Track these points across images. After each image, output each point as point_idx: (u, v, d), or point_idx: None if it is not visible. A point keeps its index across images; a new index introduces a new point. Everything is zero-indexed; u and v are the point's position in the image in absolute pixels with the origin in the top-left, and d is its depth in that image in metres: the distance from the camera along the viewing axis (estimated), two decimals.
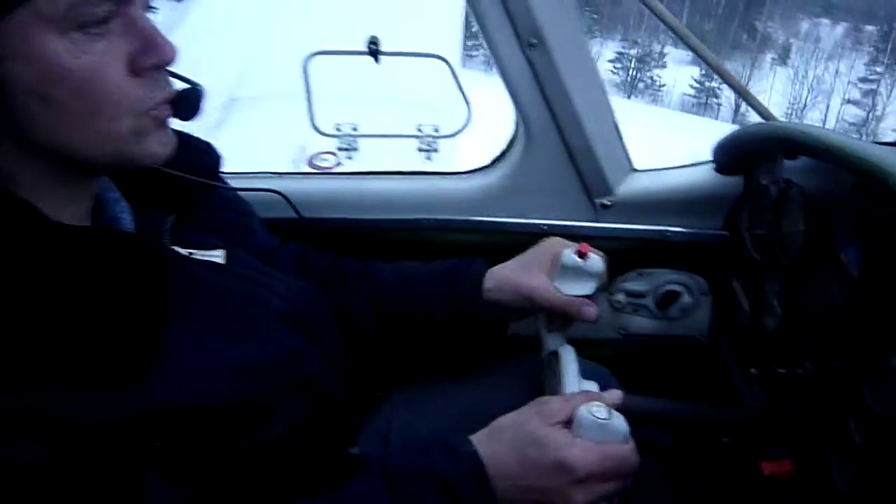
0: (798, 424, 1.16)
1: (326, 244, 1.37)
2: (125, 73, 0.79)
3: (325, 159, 3.21)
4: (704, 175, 1.51)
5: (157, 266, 0.86)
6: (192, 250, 0.98)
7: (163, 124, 0.85)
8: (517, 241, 1.52)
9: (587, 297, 1.19)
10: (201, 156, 1.10)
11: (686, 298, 1.61)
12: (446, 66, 1.47)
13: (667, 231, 1.55)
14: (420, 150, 1.57)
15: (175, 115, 0.87)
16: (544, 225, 1.55)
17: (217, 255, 1.00)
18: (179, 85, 0.92)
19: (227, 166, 1.19)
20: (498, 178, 1.55)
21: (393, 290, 1.27)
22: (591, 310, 1.19)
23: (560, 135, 1.44)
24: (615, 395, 1.07)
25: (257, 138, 3.52)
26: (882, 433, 0.95)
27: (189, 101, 0.90)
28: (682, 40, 1.28)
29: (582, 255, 1.15)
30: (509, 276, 1.22)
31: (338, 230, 1.56)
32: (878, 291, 0.99)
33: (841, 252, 1.09)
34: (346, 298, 1.26)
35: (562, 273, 1.18)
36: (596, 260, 1.17)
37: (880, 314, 0.98)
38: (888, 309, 0.96)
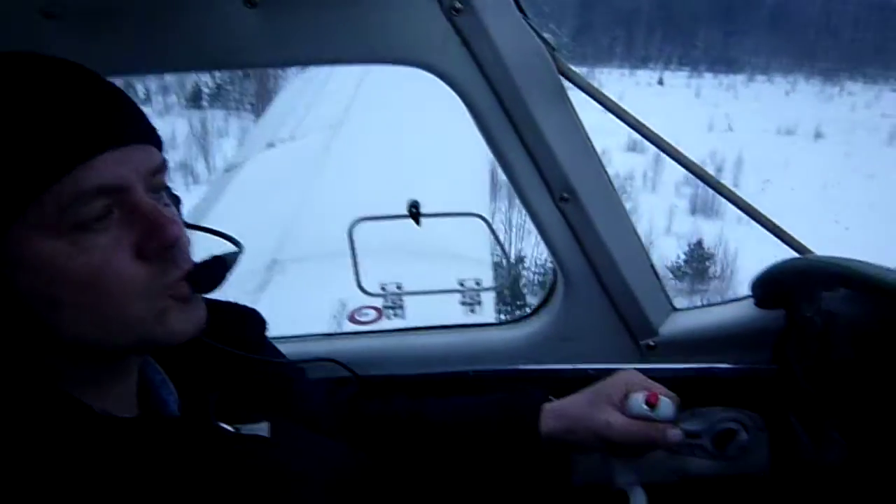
0: None
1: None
2: (132, 259, 0.80)
3: (366, 314, 3.27)
4: (745, 310, 1.52)
5: (207, 449, 0.88)
6: (238, 426, 0.98)
7: (185, 301, 0.85)
8: (565, 387, 1.52)
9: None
10: (246, 325, 1.12)
11: (743, 436, 1.57)
12: (484, 224, 1.54)
13: (715, 368, 1.55)
14: (463, 303, 1.61)
15: (195, 289, 0.87)
16: (591, 370, 1.55)
17: (262, 429, 0.99)
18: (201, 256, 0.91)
19: (272, 326, 1.22)
20: (541, 326, 1.58)
21: (447, 429, 1.25)
22: (676, 433, 1.15)
23: (599, 281, 1.48)
24: None
25: (299, 297, 3.62)
26: None
27: (209, 272, 0.89)
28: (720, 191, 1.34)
29: (651, 403, 1.14)
30: (579, 415, 1.18)
31: (385, 386, 1.58)
32: None
33: None
34: (398, 449, 1.26)
35: None
36: (666, 405, 1.15)
37: None
38: None
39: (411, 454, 1.25)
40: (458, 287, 1.61)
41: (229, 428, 0.98)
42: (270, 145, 5.98)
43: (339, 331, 2.92)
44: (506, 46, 1.27)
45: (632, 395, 1.16)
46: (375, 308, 3.20)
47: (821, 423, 1.33)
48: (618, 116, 1.34)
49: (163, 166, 0.86)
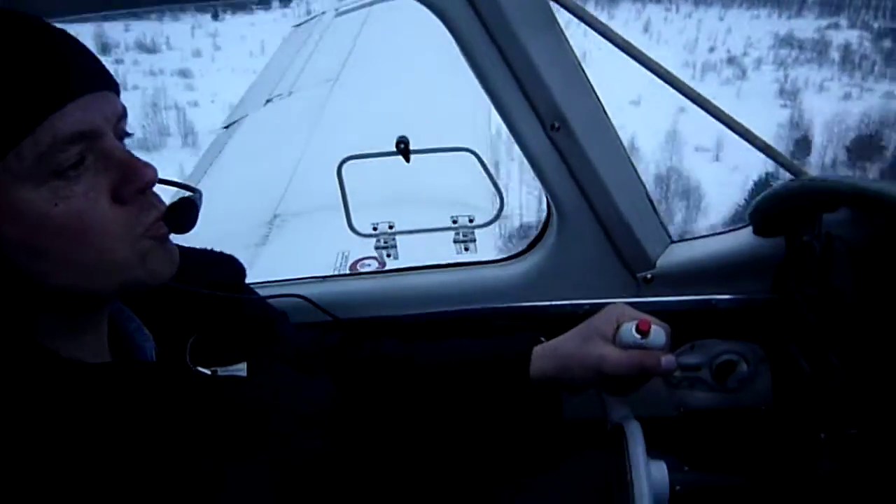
0: (873, 485, 1.10)
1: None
2: (110, 204, 0.81)
3: (367, 265, 3.25)
4: (744, 239, 1.49)
5: (182, 391, 0.87)
6: (215, 367, 0.99)
7: (162, 241, 0.87)
8: (562, 322, 1.51)
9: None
10: (223, 270, 1.13)
11: (743, 367, 1.56)
12: (475, 159, 1.50)
13: (713, 299, 1.53)
14: (456, 241, 1.58)
15: (171, 229, 0.88)
16: (587, 304, 1.53)
17: (240, 369, 1.00)
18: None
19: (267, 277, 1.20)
20: (536, 262, 1.56)
21: (437, 373, 1.24)
22: (670, 359, 1.11)
23: (594, 214, 1.45)
24: None
25: (301, 250, 3.60)
26: None
27: (182, 212, 0.90)
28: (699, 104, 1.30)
29: (643, 331, 1.11)
30: (571, 352, 1.17)
31: (379, 327, 1.57)
32: None
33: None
34: (388, 391, 1.25)
35: None
36: (658, 334, 1.11)
37: None
38: None
39: (402, 397, 1.24)
40: (451, 224, 1.58)
41: (206, 371, 0.98)
42: (268, 101, 5.92)
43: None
44: None
45: (623, 326, 1.14)
46: (377, 259, 3.18)
47: (821, 350, 1.31)
48: (609, 40, 1.29)
49: (125, 113, 0.86)
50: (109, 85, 0.85)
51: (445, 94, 5.05)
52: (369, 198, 1.74)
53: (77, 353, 0.84)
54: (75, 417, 0.77)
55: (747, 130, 1.29)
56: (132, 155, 0.83)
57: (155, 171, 0.84)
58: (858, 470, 1.16)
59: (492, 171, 1.56)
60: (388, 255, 1.60)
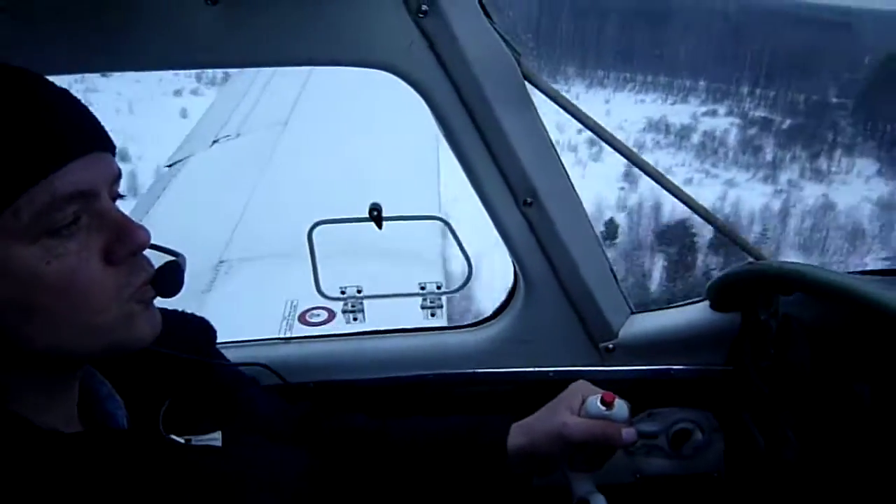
0: None
1: (334, 406, 1.37)
2: (102, 264, 0.81)
3: (317, 315, 3.22)
4: (701, 313, 1.55)
5: (156, 462, 0.87)
6: (189, 436, 0.97)
7: (148, 305, 0.87)
8: (525, 389, 1.54)
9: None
10: (195, 333, 1.12)
11: (698, 436, 1.61)
12: (446, 227, 1.53)
13: (671, 369, 1.58)
14: (423, 307, 1.60)
15: (158, 293, 0.89)
16: (551, 372, 1.57)
17: (214, 438, 0.99)
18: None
19: (219, 328, 1.19)
20: (501, 329, 1.59)
21: (410, 454, 1.24)
22: (631, 431, 1.15)
23: (560, 284, 1.49)
24: None
25: (247, 298, 3.54)
26: None
27: (169, 276, 0.90)
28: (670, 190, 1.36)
29: (607, 403, 1.15)
30: (537, 423, 1.19)
31: (346, 391, 1.56)
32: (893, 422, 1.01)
33: (853, 383, 1.12)
34: (360, 464, 1.25)
35: None
36: (621, 407, 1.16)
37: None
38: None
39: (374, 471, 1.24)
40: (419, 291, 1.60)
41: (180, 439, 0.97)
42: (215, 142, 5.85)
43: (291, 334, 2.87)
44: (472, 50, 1.26)
45: (588, 399, 1.18)
46: (326, 309, 3.16)
47: (775, 421, 1.37)
48: (580, 122, 1.34)
49: (120, 175, 0.87)
50: (107, 146, 0.85)
51: (396, 135, 5.11)
52: (335, 258, 1.75)
53: (48, 419, 0.83)
54: (49, 488, 0.76)
55: (709, 214, 1.36)
56: (126, 217, 0.84)
57: (148, 234, 0.85)
58: None
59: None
60: (355, 319, 1.60)
